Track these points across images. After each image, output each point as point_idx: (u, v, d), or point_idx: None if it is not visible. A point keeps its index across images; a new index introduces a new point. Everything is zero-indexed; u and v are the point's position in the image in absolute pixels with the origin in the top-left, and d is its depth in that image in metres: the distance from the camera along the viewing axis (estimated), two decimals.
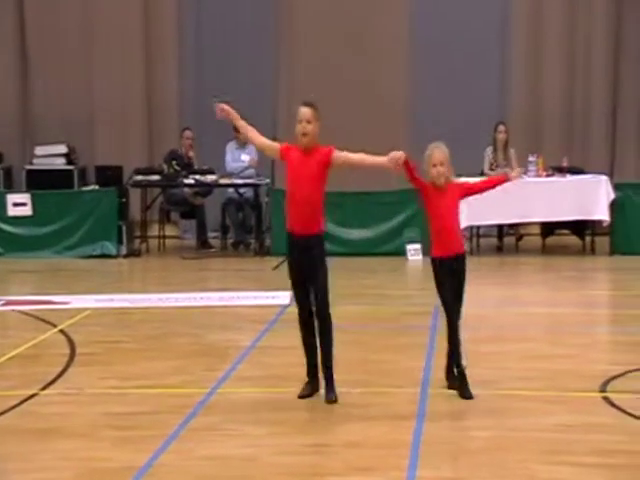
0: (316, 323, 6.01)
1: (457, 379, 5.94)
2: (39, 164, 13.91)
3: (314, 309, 5.98)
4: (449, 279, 5.89)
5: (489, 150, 12.87)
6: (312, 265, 5.93)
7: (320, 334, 6.01)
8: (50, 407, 5.97)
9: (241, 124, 6.13)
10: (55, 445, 5.26)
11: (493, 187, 6.16)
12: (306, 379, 6.08)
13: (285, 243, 6.03)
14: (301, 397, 6.00)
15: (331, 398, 5.95)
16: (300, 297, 6.02)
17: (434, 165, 5.85)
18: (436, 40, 14.21)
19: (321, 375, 6.05)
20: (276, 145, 6.09)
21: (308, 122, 5.89)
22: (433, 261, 5.95)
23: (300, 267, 5.95)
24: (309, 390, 6.05)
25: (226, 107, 6.08)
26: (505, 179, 6.21)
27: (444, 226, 5.89)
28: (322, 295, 5.95)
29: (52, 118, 14.50)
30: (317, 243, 5.94)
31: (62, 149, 14.03)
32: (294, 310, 6.13)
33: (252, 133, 6.13)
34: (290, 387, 6.16)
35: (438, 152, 5.87)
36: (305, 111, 5.93)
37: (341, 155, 5.94)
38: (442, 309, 5.97)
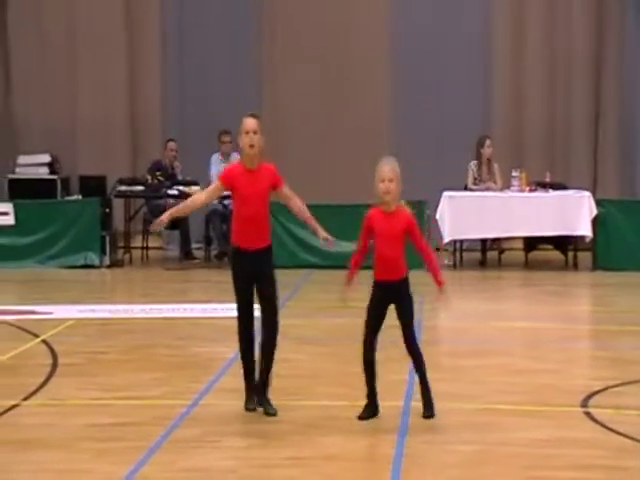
0: (263, 333, 5.95)
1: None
2: (22, 173, 13.86)
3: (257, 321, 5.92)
4: (382, 305, 5.81)
5: (473, 164, 12.89)
6: (263, 276, 5.93)
7: (270, 345, 5.95)
8: (31, 418, 5.94)
9: (179, 208, 6.14)
10: (35, 456, 5.23)
11: (427, 262, 5.80)
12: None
13: (239, 258, 5.97)
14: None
15: (271, 411, 5.92)
16: (246, 312, 6.00)
17: (382, 181, 5.73)
18: (418, 56, 14.28)
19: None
20: (217, 185, 6.03)
21: (255, 133, 5.91)
22: (374, 284, 5.87)
23: (249, 280, 5.94)
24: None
25: (161, 219, 5.98)
26: (440, 284, 5.82)
27: (384, 252, 5.76)
28: (274, 305, 5.93)
29: (35, 127, 14.47)
30: (268, 254, 5.98)
31: (45, 158, 13.98)
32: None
33: (194, 202, 6.11)
34: (272, 399, 6.15)
35: (387, 168, 5.74)
36: (251, 122, 5.93)
37: (287, 193, 6.00)
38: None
